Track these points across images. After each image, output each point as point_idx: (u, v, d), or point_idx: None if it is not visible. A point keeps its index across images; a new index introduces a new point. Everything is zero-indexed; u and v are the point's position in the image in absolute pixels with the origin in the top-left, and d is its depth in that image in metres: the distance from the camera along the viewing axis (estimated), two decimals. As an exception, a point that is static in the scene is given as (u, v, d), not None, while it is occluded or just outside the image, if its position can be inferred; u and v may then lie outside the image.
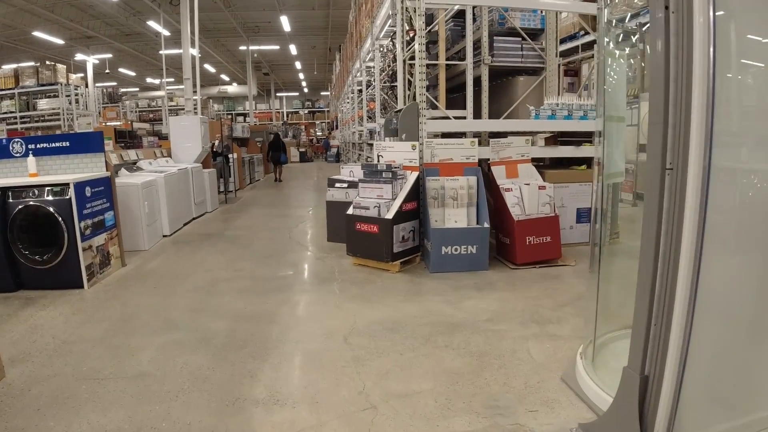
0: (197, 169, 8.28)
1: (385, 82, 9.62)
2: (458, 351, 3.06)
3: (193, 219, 8.02)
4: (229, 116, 29.56)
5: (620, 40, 2.82)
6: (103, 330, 3.48)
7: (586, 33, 10.93)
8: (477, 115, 6.91)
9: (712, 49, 1.67)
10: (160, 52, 15.73)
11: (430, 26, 6.73)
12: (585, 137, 6.00)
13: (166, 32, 15.90)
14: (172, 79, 24.62)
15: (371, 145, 11.81)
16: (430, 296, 4.13)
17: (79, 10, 17.11)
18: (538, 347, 3.12)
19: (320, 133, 37.24)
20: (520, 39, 6.89)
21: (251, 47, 22.28)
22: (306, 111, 39.18)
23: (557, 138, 5.87)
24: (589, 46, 11.16)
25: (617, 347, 2.96)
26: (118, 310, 3.91)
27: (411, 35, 6.54)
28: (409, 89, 6.33)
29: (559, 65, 6.90)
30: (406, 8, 6.19)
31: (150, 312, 3.84)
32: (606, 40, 2.69)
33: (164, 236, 6.71)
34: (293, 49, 23.92)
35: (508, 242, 5.15)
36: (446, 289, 4.32)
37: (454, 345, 3.15)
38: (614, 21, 2.74)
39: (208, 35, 14.55)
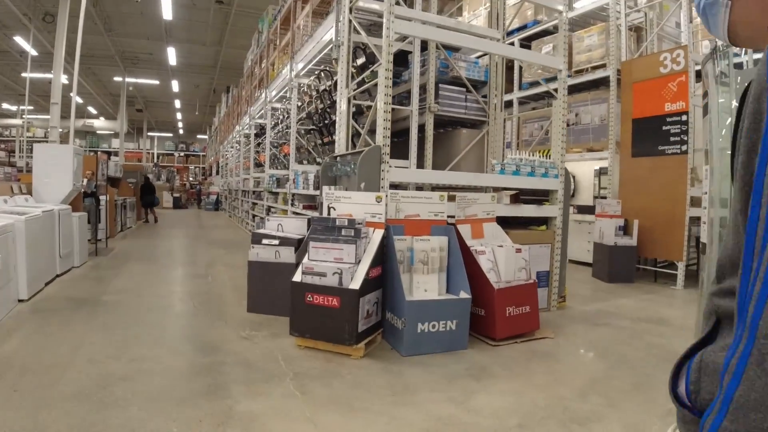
0: (66, 212, 6.47)
1: (301, 125, 8.67)
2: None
3: (57, 276, 6.15)
4: (93, 153, 26.11)
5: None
6: None
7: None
8: (419, 165, 6.26)
9: None
10: (24, 74, 13.18)
11: (372, 66, 6.02)
12: (543, 196, 5.57)
13: (33, 51, 13.42)
14: (32, 107, 21.13)
15: (275, 193, 10.65)
16: (425, 393, 3.13)
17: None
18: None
19: (192, 178, 34.59)
20: (464, 89, 6.45)
21: (128, 79, 19.99)
22: (181, 154, 36.34)
23: (519, 196, 5.36)
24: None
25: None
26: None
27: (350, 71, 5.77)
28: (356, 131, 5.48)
29: (504, 120, 6.55)
30: (354, 40, 5.43)
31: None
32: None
33: (20, 301, 4.91)
34: (175, 86, 22.00)
35: (482, 314, 4.35)
36: (437, 380, 3.36)
37: (507, 483, 2.19)
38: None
39: (80, 61, 12.34)
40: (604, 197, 8.27)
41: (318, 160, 8.55)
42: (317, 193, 6.89)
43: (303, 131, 8.92)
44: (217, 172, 26.99)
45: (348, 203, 4.32)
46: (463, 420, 2.78)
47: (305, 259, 4.06)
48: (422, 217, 4.44)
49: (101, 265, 7.53)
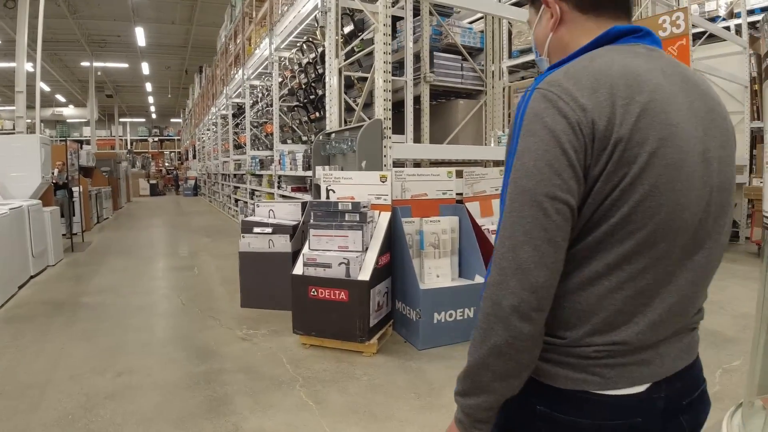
0: (36, 208, 5.96)
1: (284, 102, 8.16)
2: None
3: (32, 278, 5.68)
4: (63, 143, 24.99)
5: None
6: None
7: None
8: (416, 139, 5.86)
9: None
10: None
11: (362, 34, 5.57)
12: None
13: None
14: (-1, 99, 20.06)
15: (259, 176, 10.16)
16: (451, 393, 2.81)
17: None
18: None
19: (168, 164, 33.66)
20: (459, 57, 6.03)
21: (95, 63, 19.00)
22: (155, 139, 35.22)
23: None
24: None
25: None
26: None
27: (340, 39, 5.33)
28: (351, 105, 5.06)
29: (504, 88, 6.16)
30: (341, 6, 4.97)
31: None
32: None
33: (-13, 311, 4.47)
34: (145, 68, 21.03)
35: (498, 298, 4.04)
36: (461, 378, 3.04)
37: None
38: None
39: (46, 47, 11.38)
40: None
41: (304, 138, 8.08)
42: (308, 174, 6.47)
43: (286, 108, 8.41)
44: (194, 156, 26.15)
45: (349, 184, 3.93)
46: (502, 425, 2.47)
47: (305, 249, 3.68)
48: (430, 197, 4.08)
49: (79, 261, 7.05)
